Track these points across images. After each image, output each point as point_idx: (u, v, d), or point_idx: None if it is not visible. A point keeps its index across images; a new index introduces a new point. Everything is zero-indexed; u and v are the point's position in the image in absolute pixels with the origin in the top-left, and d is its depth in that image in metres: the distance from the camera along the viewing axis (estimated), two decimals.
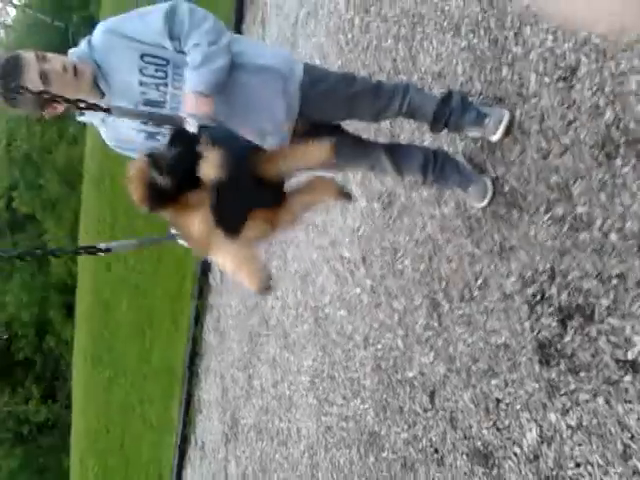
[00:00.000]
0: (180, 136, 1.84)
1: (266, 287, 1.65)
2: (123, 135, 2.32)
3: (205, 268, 7.11)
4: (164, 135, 2.28)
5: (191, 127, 1.93)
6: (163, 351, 8.99)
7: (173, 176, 1.67)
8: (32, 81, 2.09)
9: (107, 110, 1.87)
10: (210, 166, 1.68)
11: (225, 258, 1.72)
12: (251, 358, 5.47)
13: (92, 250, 1.92)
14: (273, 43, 5.51)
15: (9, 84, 2.09)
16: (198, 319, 7.27)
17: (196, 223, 1.72)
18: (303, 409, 4.28)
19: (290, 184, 1.97)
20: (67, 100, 1.82)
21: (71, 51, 2.25)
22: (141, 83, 2.19)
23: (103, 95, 2.25)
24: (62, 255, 1.95)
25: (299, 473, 4.25)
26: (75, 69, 2.15)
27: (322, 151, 1.88)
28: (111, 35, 2.19)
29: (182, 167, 1.68)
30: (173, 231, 1.96)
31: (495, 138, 2.54)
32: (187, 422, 7.59)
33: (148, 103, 2.22)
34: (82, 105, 1.82)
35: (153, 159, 1.70)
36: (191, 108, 2.10)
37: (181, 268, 8.08)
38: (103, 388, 14.41)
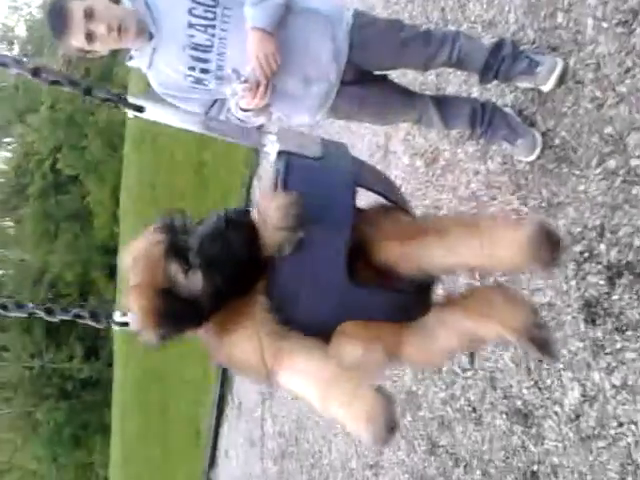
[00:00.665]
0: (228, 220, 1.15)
1: (387, 432, 1.00)
2: (171, 79, 2.29)
3: None
4: (211, 81, 2.24)
5: (271, 147, 1.39)
6: None
7: (207, 272, 1.09)
8: (77, 38, 2.14)
9: (138, 109, 1.53)
10: (279, 220, 1.10)
11: (305, 379, 1.10)
12: None
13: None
14: None
15: (55, 34, 2.16)
16: None
17: (246, 341, 1.13)
18: None
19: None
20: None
21: None
22: (190, 25, 2.16)
23: (151, 38, 2.22)
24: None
25: (335, 431, 4.29)
26: (119, 28, 2.14)
27: (522, 242, 1.09)
28: None
29: (222, 254, 1.09)
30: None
31: (547, 88, 2.43)
32: (225, 381, 7.74)
33: (195, 47, 2.19)
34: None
35: (171, 241, 1.12)
36: (256, 46, 2.07)
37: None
38: (143, 346, 14.82)
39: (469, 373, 2.84)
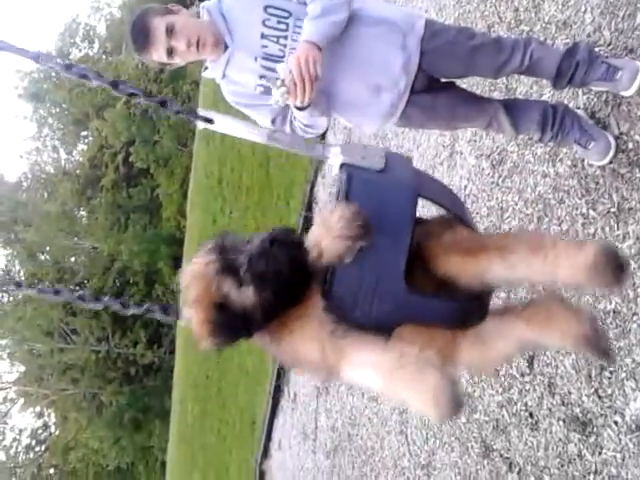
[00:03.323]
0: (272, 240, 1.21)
1: (453, 408, 1.06)
2: (242, 88, 2.38)
3: (307, 224, 7.22)
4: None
5: (332, 160, 1.42)
6: None
7: (257, 287, 1.16)
8: (158, 54, 2.26)
9: (208, 120, 1.59)
10: (341, 230, 1.15)
11: (369, 368, 1.16)
12: None
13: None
14: None
15: (137, 49, 2.28)
16: None
17: (308, 338, 1.19)
18: None
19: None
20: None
21: (203, 4, 2.34)
22: (262, 35, 2.23)
23: (226, 48, 2.31)
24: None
25: (388, 429, 4.30)
26: (198, 42, 2.24)
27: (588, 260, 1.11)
28: None
29: (269, 270, 1.15)
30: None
31: (629, 93, 2.35)
32: (281, 374, 7.86)
33: (267, 57, 2.26)
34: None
35: (223, 260, 1.19)
36: (301, 51, 2.09)
37: (283, 225, 8.25)
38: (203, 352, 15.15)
39: (527, 378, 2.80)
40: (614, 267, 1.12)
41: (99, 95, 30.74)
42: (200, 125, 1.59)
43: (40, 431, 32.67)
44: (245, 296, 1.16)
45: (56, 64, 1.41)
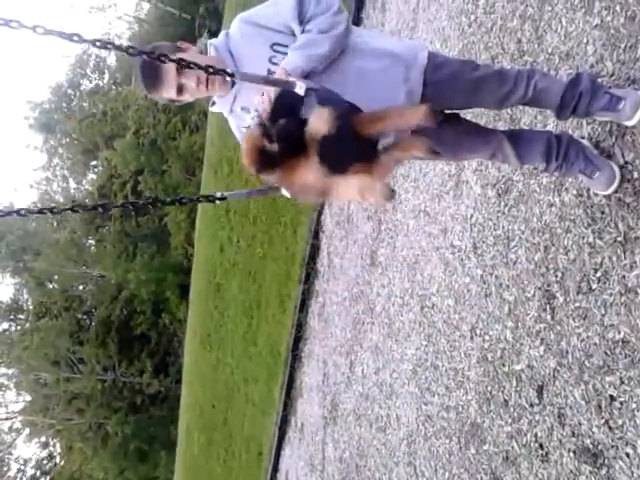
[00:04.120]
0: (282, 102, 1.98)
1: (390, 194, 1.76)
2: (247, 124, 2.41)
3: (314, 253, 7.25)
4: None
5: (300, 89, 2.02)
6: (269, 334, 9.28)
7: (282, 142, 1.82)
8: (168, 92, 2.29)
9: (232, 75, 1.98)
10: (321, 121, 1.83)
11: (347, 187, 1.84)
12: (353, 345, 5.52)
13: (211, 199, 2.08)
14: (393, 29, 5.49)
15: (147, 87, 2.31)
16: (304, 304, 7.43)
17: (308, 174, 1.85)
18: (404, 397, 4.27)
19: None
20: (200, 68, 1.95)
21: (210, 41, 2.39)
22: (269, 72, 2.26)
23: (233, 84, 2.36)
24: (186, 204, 2.11)
25: (396, 460, 4.25)
26: (207, 80, 2.29)
27: (417, 112, 1.95)
28: (245, 24, 2.29)
29: (289, 133, 1.83)
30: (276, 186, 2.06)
31: (632, 123, 2.37)
32: (288, 404, 7.80)
33: None
34: (210, 70, 1.95)
35: (264, 128, 1.86)
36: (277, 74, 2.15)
37: (290, 253, 8.29)
38: (211, 366, 15.11)
39: (537, 408, 2.77)
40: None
41: (108, 125, 31.21)
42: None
43: (45, 461, 32.41)
44: (273, 147, 1.81)
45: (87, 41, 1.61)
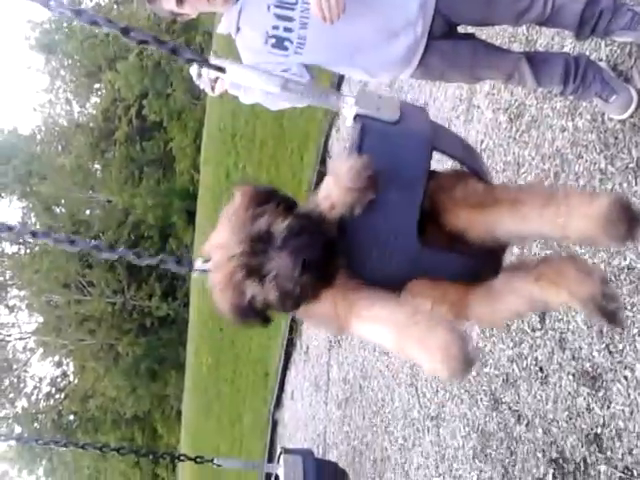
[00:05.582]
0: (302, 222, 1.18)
1: (463, 365, 1.06)
2: (254, 43, 2.31)
3: (320, 179, 7.19)
4: (293, 40, 2.25)
5: (347, 110, 1.37)
6: None
7: (284, 291, 1.16)
8: (168, 3, 2.21)
9: (220, 69, 1.51)
10: (350, 180, 1.17)
11: (380, 322, 1.17)
12: None
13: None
14: None
15: None
16: None
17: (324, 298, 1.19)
18: None
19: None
20: None
21: None
22: None
23: (237, 0, 2.26)
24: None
25: (399, 381, 4.37)
26: None
27: (598, 210, 1.10)
28: None
29: (299, 270, 1.12)
30: None
31: None
32: (293, 327, 7.97)
33: (280, 5, 2.20)
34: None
35: (245, 262, 1.15)
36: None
37: (297, 179, 8.24)
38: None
39: (538, 333, 2.82)
40: (628, 219, 1.10)
41: (111, 46, 30.40)
42: (212, 74, 1.58)
43: (59, 379, 33.62)
44: (268, 295, 1.18)
45: (67, 9, 1.39)
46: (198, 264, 1.49)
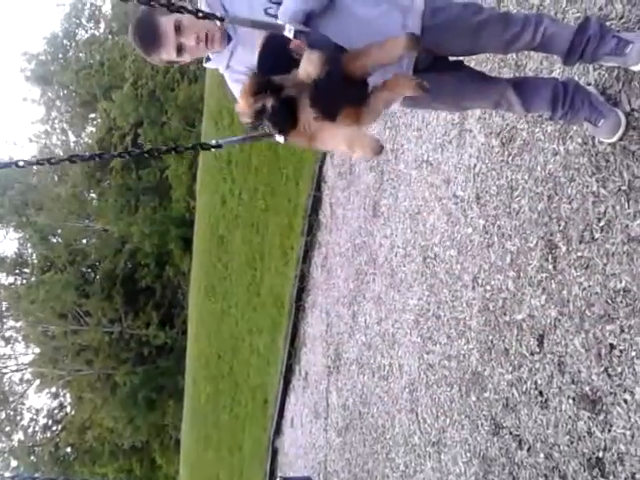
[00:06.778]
0: (271, 45, 1.98)
1: (379, 149, 1.76)
2: (245, 79, 2.36)
3: (316, 204, 7.22)
4: None
5: (289, 32, 2.01)
6: (272, 285, 9.35)
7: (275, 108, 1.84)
8: (168, 52, 2.25)
9: (221, 19, 2.02)
10: (311, 65, 1.85)
11: (335, 137, 1.86)
12: (356, 295, 5.56)
13: (206, 146, 2.18)
14: None
15: (146, 49, 2.27)
16: (307, 255, 7.45)
17: (301, 118, 1.87)
18: (406, 346, 4.33)
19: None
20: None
21: None
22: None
23: (229, 40, 2.31)
24: (182, 152, 2.15)
25: (399, 407, 4.34)
26: (206, 37, 2.24)
27: (398, 42, 1.95)
28: None
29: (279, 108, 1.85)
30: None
31: (637, 68, 2.32)
32: (292, 354, 7.93)
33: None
34: (200, 15, 2.00)
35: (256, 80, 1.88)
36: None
37: (292, 204, 8.27)
38: (216, 317, 15.30)
39: (537, 356, 2.81)
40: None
41: (106, 76, 30.70)
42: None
43: (56, 411, 33.26)
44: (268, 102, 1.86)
45: None
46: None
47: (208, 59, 2.45)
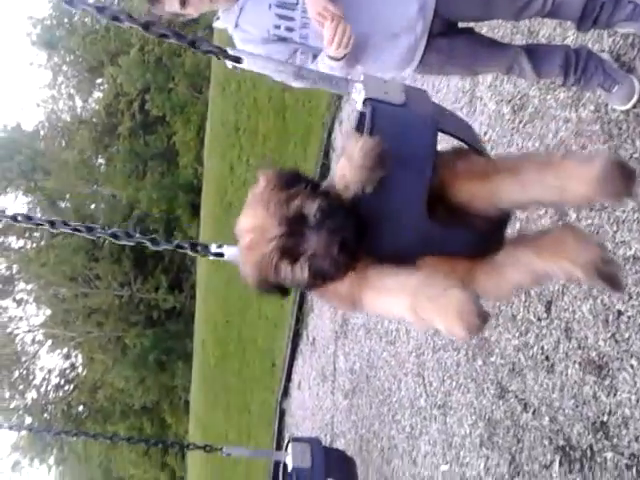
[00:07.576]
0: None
1: (478, 321, 1.09)
2: (254, 38, 2.33)
3: (324, 172, 7.21)
4: (295, 39, 2.27)
5: (356, 94, 1.39)
6: None
7: (320, 270, 1.21)
8: (171, 4, 2.23)
9: (237, 60, 1.54)
10: (362, 159, 1.20)
11: (393, 292, 1.21)
12: None
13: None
14: None
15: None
16: None
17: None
18: None
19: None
20: None
21: None
22: None
23: None
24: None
25: (405, 371, 4.41)
26: None
27: (595, 173, 1.12)
28: None
29: (334, 252, 1.19)
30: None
31: None
32: (300, 318, 8.02)
33: (281, 5, 2.23)
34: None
35: (283, 243, 1.20)
36: (309, 6, 2.08)
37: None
38: (224, 282, 15.41)
39: (544, 322, 2.85)
40: (623, 175, 1.13)
41: (113, 41, 30.33)
42: (229, 65, 1.64)
43: (68, 371, 33.87)
44: (302, 274, 1.22)
45: (89, 6, 1.43)
46: (213, 248, 1.57)
47: (218, 18, 2.42)
